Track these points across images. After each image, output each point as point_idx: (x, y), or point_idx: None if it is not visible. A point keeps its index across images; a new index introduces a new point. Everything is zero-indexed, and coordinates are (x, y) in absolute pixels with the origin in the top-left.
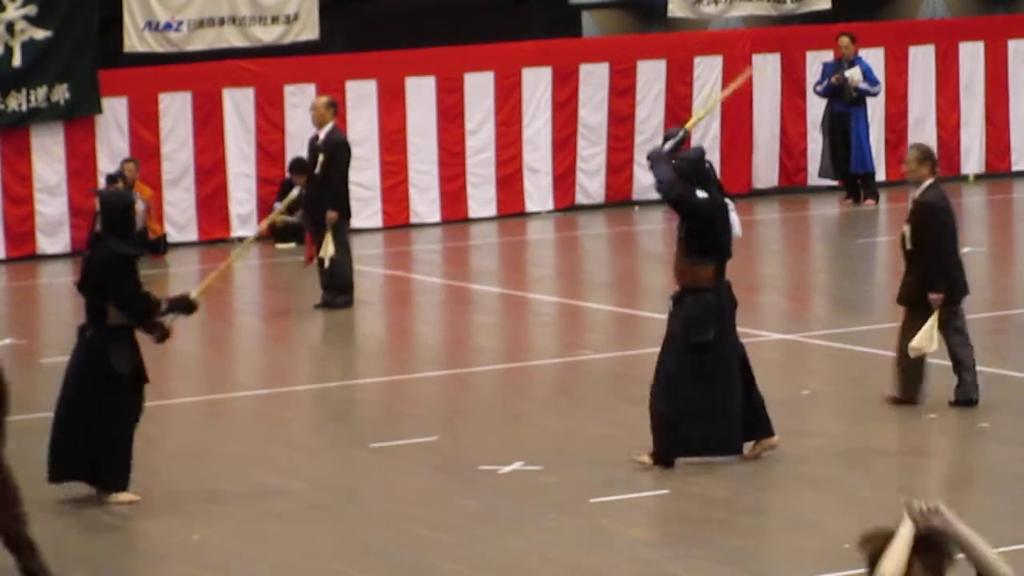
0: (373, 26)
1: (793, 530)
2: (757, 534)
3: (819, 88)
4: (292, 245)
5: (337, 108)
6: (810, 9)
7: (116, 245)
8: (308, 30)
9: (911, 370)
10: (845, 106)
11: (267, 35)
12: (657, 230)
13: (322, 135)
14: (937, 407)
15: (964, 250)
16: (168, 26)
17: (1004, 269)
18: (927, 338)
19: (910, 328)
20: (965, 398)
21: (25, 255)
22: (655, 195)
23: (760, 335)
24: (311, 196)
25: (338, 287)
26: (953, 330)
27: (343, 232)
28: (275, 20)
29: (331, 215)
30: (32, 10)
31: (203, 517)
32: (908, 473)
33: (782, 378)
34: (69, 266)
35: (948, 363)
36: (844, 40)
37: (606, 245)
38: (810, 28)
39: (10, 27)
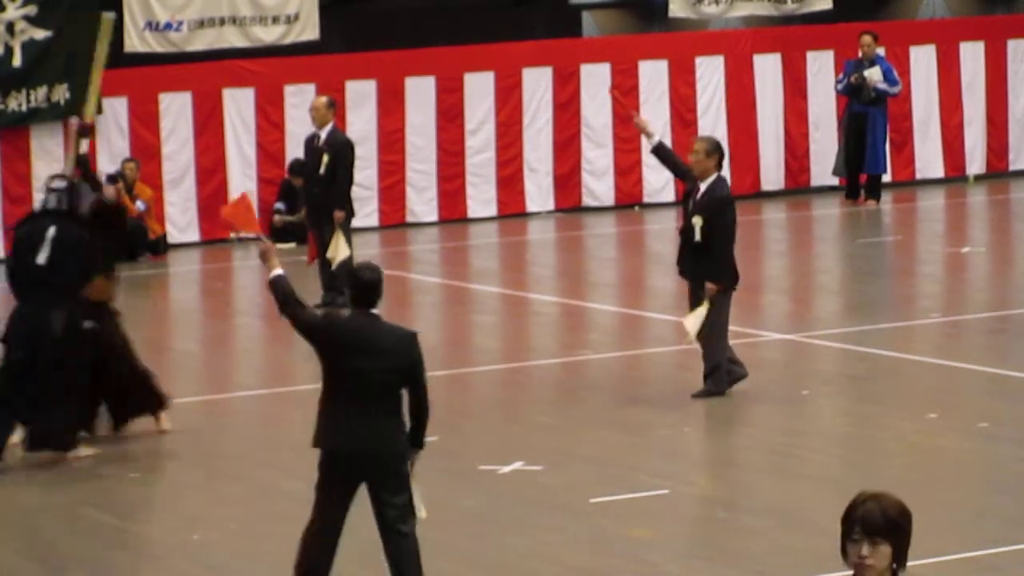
0: (373, 26)
1: (793, 530)
2: (757, 534)
3: (839, 86)
4: (292, 245)
5: (336, 107)
6: (811, 9)
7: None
8: (308, 30)
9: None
10: (863, 106)
11: (267, 35)
12: (658, 230)
13: (323, 135)
14: (937, 407)
15: (963, 250)
16: (168, 26)
17: (1003, 269)
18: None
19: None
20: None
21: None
22: (665, 197)
23: (761, 335)
24: (315, 196)
25: (339, 288)
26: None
27: (348, 232)
28: (275, 20)
29: (339, 215)
30: (32, 10)
31: (203, 517)
32: (908, 473)
33: (782, 378)
34: None
35: (939, 362)
36: (866, 39)
37: (607, 245)
38: (811, 28)
39: (10, 27)
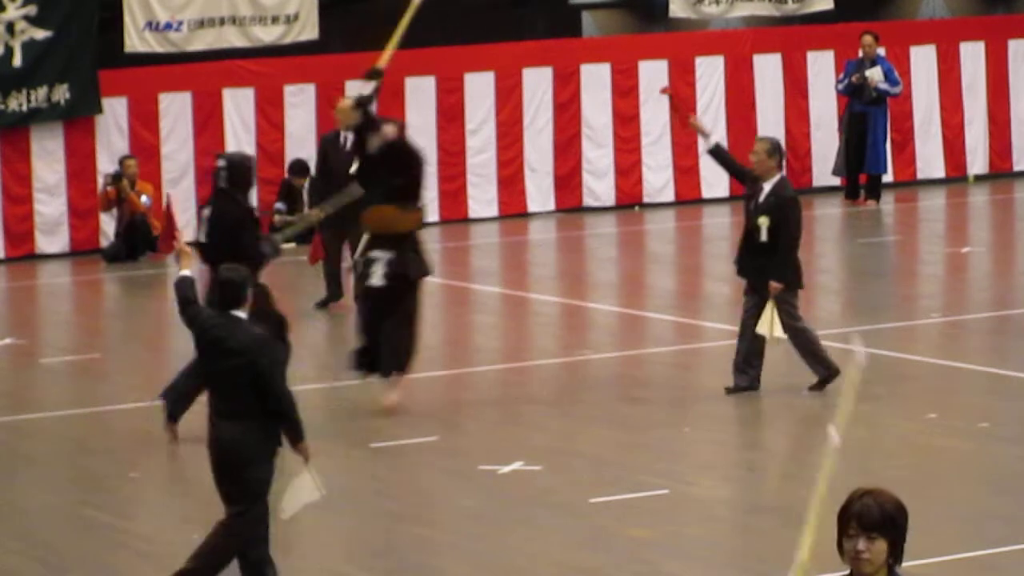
0: (373, 26)
1: (793, 530)
2: (757, 534)
3: (840, 86)
4: (292, 245)
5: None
6: (812, 10)
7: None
8: (308, 30)
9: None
10: (864, 106)
11: (267, 35)
12: (658, 230)
13: (351, 137)
14: (937, 407)
15: (964, 250)
16: (168, 26)
17: (1004, 269)
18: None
19: None
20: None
21: (24, 255)
22: (665, 197)
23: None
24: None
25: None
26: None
27: None
28: (275, 20)
29: None
30: (32, 10)
31: (203, 517)
32: (908, 473)
33: (783, 378)
34: (68, 266)
35: (939, 362)
36: (867, 39)
37: (607, 245)
38: (811, 28)
39: (10, 27)
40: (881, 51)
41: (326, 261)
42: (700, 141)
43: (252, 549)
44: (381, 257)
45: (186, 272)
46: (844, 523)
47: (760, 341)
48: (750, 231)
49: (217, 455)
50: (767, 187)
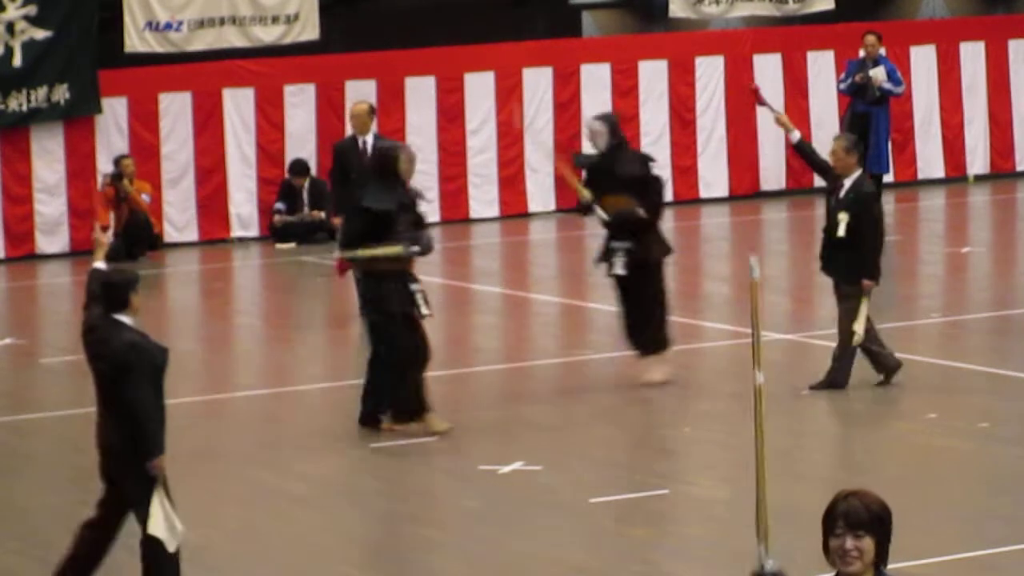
0: (373, 26)
1: (793, 530)
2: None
3: (842, 86)
4: (292, 245)
5: (376, 114)
6: (812, 10)
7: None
8: (308, 30)
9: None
10: (867, 105)
11: (267, 35)
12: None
13: (369, 141)
14: (937, 407)
15: (964, 250)
16: (168, 26)
17: (1005, 269)
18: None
19: None
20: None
21: (24, 255)
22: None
23: (762, 335)
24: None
25: None
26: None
27: None
28: (275, 20)
29: None
30: (32, 10)
31: (203, 517)
32: (908, 473)
33: (782, 378)
34: (68, 266)
35: (939, 362)
36: (870, 39)
37: None
38: (811, 28)
39: (10, 27)
40: (882, 51)
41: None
42: (785, 136)
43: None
44: (620, 247)
45: (99, 264)
46: (830, 523)
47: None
48: (829, 230)
49: (100, 458)
50: (847, 183)
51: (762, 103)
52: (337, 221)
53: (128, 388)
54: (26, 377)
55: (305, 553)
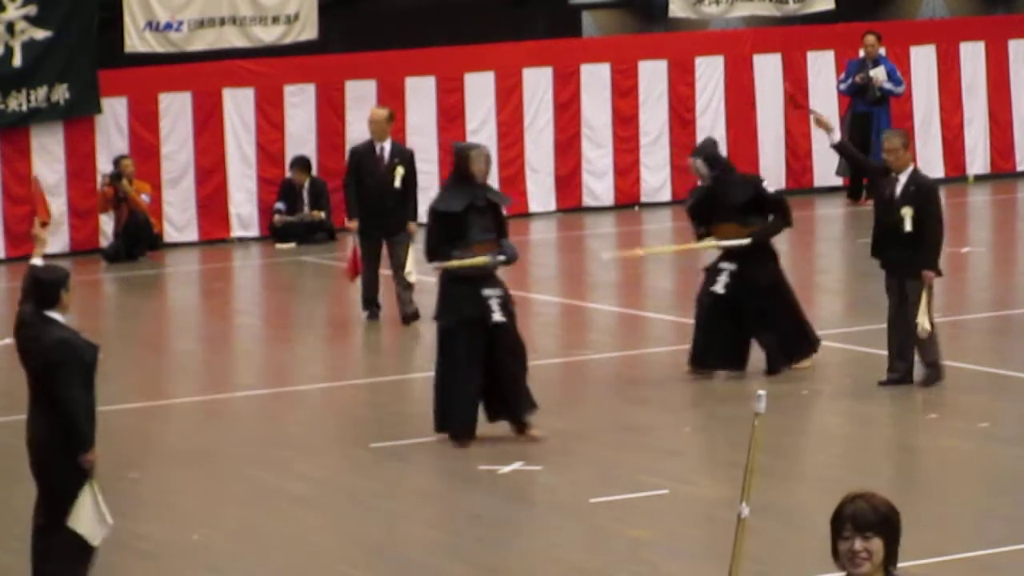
0: (373, 26)
1: (793, 530)
2: (757, 534)
3: (842, 86)
4: (292, 245)
5: (395, 119)
6: (812, 10)
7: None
8: (307, 30)
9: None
10: (868, 105)
11: (267, 35)
12: (657, 230)
13: (387, 147)
14: (937, 407)
15: (963, 250)
16: (168, 26)
17: (1005, 269)
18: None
19: None
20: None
21: (24, 255)
22: (662, 197)
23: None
24: (387, 209)
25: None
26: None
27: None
28: (275, 20)
29: (414, 226)
30: (32, 10)
31: (203, 517)
32: (908, 473)
33: (782, 378)
34: (68, 266)
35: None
36: (870, 39)
37: (607, 245)
38: (811, 28)
39: (10, 27)
40: (882, 51)
41: (364, 273)
42: (825, 136)
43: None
44: (726, 268)
45: (35, 260)
46: (838, 526)
47: (912, 333)
48: (890, 224)
49: (29, 454)
50: (903, 178)
51: (799, 106)
52: (352, 225)
53: (59, 385)
54: (25, 377)
55: (305, 553)
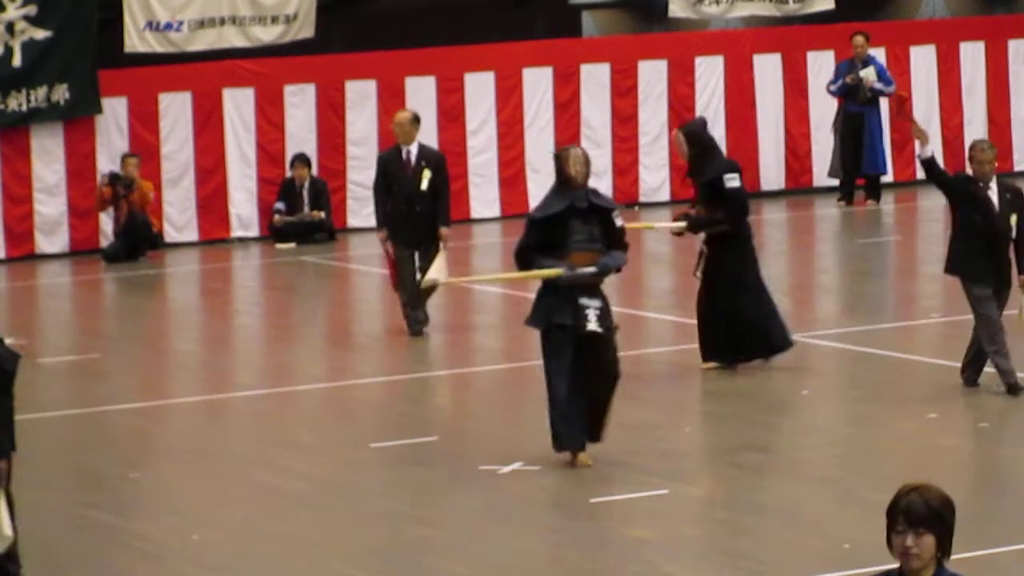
0: (373, 26)
1: (793, 530)
2: (757, 534)
3: (832, 88)
4: (292, 245)
5: (420, 123)
6: (812, 10)
7: None
8: (306, 29)
9: None
10: (859, 106)
11: (267, 35)
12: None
13: (414, 151)
14: (937, 407)
15: None
16: (168, 26)
17: None
18: None
19: None
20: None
21: (24, 255)
22: (660, 197)
23: None
24: (416, 215)
25: (422, 305)
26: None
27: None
28: (275, 20)
29: (446, 232)
30: (32, 10)
31: (203, 517)
32: (908, 473)
33: (782, 378)
34: (68, 266)
35: (939, 362)
36: (858, 39)
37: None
38: (811, 28)
39: (10, 27)
40: (875, 51)
41: (399, 281)
42: (916, 147)
43: None
44: (703, 251)
45: None
46: (892, 519)
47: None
48: (995, 234)
49: None
50: (994, 186)
51: (905, 116)
52: (380, 235)
53: None
54: (26, 377)
55: (305, 553)
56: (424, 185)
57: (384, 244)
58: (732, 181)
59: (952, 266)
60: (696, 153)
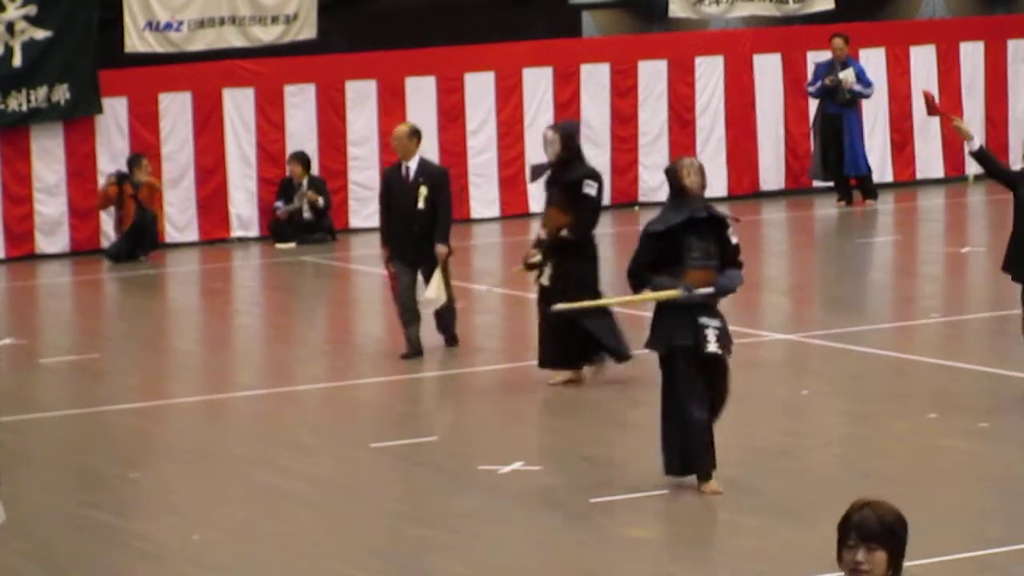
0: (373, 26)
1: (793, 530)
2: (757, 534)
3: (812, 89)
4: (292, 245)
5: (421, 136)
6: (812, 10)
7: None
8: (306, 29)
9: None
10: (838, 107)
11: (267, 35)
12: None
13: (413, 166)
14: (937, 407)
15: (963, 250)
16: (168, 26)
17: None
18: None
19: None
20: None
21: (24, 255)
22: (660, 197)
23: (761, 335)
24: (413, 233)
25: (449, 327)
26: None
27: (448, 272)
28: (275, 20)
29: (443, 250)
30: (32, 10)
31: (203, 517)
32: (908, 473)
33: (782, 378)
34: (68, 266)
35: (939, 362)
36: (837, 41)
37: (606, 245)
38: (810, 28)
39: (10, 27)
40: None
41: (398, 299)
42: (965, 144)
43: None
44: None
45: None
46: (843, 534)
47: None
48: None
49: None
50: None
51: (933, 111)
52: (384, 255)
53: None
54: (26, 377)
55: (305, 553)
56: (420, 203)
57: (385, 264)
58: (591, 188)
59: (1006, 264)
60: (565, 156)
